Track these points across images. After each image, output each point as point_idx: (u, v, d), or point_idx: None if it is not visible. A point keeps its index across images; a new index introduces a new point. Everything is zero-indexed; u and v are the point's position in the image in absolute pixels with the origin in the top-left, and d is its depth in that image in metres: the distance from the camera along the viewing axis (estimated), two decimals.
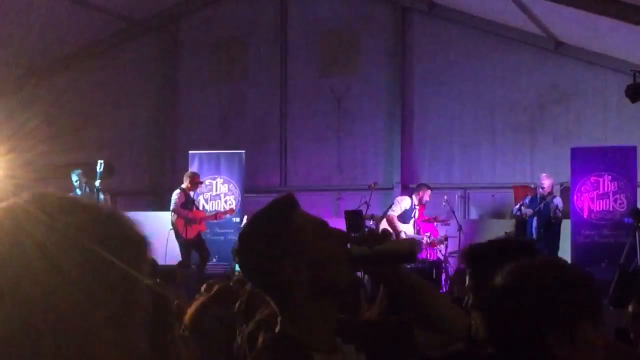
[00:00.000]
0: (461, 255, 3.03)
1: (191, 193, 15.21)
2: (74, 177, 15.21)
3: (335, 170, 18.44)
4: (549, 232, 14.41)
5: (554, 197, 14.58)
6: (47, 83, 20.13)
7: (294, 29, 18.97)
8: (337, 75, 18.60)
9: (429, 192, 15.36)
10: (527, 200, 14.76)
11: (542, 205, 14.42)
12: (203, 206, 16.27)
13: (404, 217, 15.00)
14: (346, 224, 14.63)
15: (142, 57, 19.88)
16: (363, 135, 18.37)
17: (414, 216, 15.29)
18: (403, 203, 15.18)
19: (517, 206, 14.86)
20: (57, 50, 19.68)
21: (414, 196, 15.30)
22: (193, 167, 16.71)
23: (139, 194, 19.44)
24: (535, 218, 14.51)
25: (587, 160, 15.16)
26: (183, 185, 15.12)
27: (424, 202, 15.36)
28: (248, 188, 17.59)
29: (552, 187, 14.68)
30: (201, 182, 15.46)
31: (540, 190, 14.54)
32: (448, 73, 17.95)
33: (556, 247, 14.40)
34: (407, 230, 15.05)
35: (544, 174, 14.84)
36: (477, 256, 3.31)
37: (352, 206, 15.72)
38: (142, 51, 19.90)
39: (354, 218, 14.61)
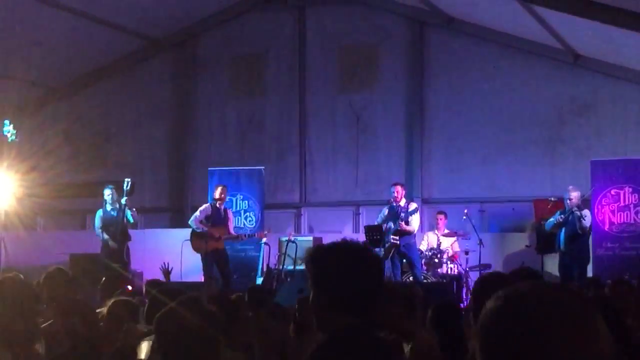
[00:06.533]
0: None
1: (221, 207, 15.27)
2: (107, 192, 15.28)
3: (355, 185, 18.43)
4: (575, 244, 14.30)
5: (582, 209, 14.47)
6: (67, 102, 20.26)
7: (312, 45, 19.00)
8: (355, 91, 18.61)
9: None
10: (557, 214, 14.63)
11: (569, 217, 14.33)
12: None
13: None
14: (366, 239, 14.67)
15: (162, 74, 19.97)
16: (382, 150, 18.36)
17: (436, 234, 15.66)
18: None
19: (552, 219, 14.63)
20: (77, 69, 19.80)
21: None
22: (212, 184, 16.77)
23: (159, 211, 19.50)
24: (563, 230, 14.42)
25: (607, 173, 15.10)
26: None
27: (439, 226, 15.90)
28: (268, 204, 17.64)
29: (579, 199, 14.56)
30: (216, 198, 15.39)
31: (568, 202, 14.42)
32: (467, 87, 17.93)
33: (583, 259, 14.31)
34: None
35: (571, 186, 14.73)
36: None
37: (371, 221, 15.74)
38: (161, 69, 19.99)
39: (375, 233, 14.65)
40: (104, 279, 8.90)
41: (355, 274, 3.21)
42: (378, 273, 3.34)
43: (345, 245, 3.32)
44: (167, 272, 10.77)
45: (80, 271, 14.73)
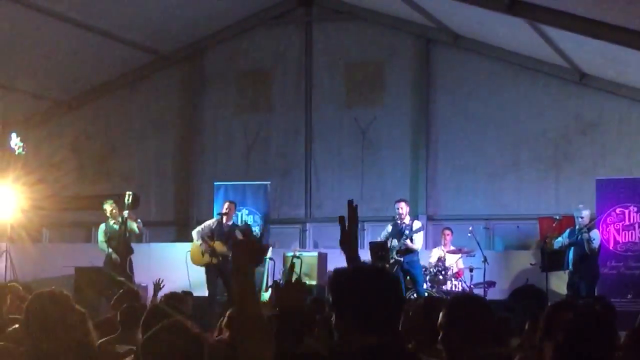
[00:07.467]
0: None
1: (228, 223, 15.26)
2: (108, 207, 15.30)
3: (360, 201, 18.37)
4: (583, 265, 14.28)
5: (591, 229, 14.47)
6: (74, 115, 20.31)
7: (318, 61, 19.04)
8: (361, 107, 18.63)
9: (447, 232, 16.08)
10: (567, 233, 14.65)
11: (578, 237, 14.33)
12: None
13: None
14: (371, 256, 14.63)
15: (168, 89, 20.02)
16: (388, 166, 18.37)
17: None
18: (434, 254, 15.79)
19: (560, 239, 14.66)
20: (83, 82, 19.86)
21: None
22: (218, 198, 16.79)
23: (164, 225, 19.50)
24: (572, 250, 14.43)
25: (612, 192, 15.12)
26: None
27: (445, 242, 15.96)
28: (273, 219, 17.65)
29: (590, 218, 14.57)
30: (221, 212, 15.42)
31: (580, 219, 14.43)
32: (472, 104, 17.95)
33: (592, 279, 14.28)
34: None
35: (581, 205, 14.73)
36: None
37: (376, 237, 15.72)
38: (168, 83, 20.03)
39: (379, 250, 14.61)
40: (118, 294, 8.85)
41: (377, 296, 3.40)
42: (398, 294, 3.52)
43: (365, 269, 3.59)
44: (157, 286, 10.81)
45: (86, 283, 14.81)
